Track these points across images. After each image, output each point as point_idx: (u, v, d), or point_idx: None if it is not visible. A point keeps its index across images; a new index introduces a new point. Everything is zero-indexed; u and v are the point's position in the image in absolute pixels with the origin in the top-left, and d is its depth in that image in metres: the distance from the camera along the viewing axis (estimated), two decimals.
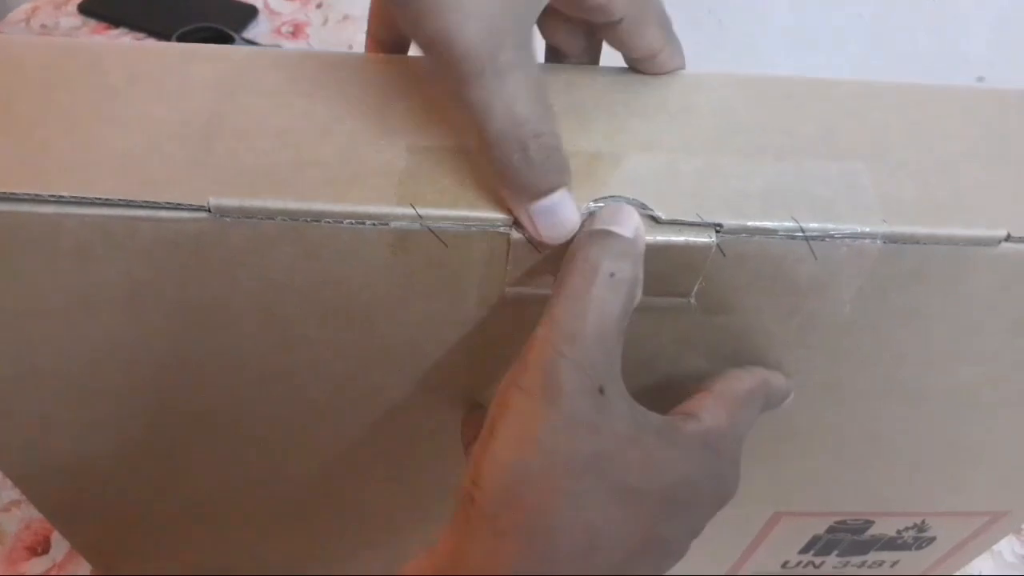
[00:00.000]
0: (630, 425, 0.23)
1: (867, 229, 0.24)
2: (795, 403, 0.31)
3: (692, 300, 0.26)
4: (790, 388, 0.29)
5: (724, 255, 0.24)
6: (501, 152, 0.22)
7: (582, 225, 0.23)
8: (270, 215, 0.22)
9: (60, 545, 0.45)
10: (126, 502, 0.36)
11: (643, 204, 0.23)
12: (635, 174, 0.24)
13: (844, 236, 0.24)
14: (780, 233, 0.24)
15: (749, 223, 0.23)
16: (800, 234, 0.23)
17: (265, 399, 0.29)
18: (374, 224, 0.23)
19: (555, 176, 0.23)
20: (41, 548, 0.45)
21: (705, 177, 0.24)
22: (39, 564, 0.45)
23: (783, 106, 0.27)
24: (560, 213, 0.23)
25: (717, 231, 0.23)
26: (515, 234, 0.23)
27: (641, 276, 0.23)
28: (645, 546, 0.23)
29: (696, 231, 0.24)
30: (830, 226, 0.24)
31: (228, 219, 0.22)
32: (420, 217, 0.23)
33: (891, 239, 0.24)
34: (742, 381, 0.27)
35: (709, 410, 0.25)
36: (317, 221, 0.23)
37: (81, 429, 0.30)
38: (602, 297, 0.22)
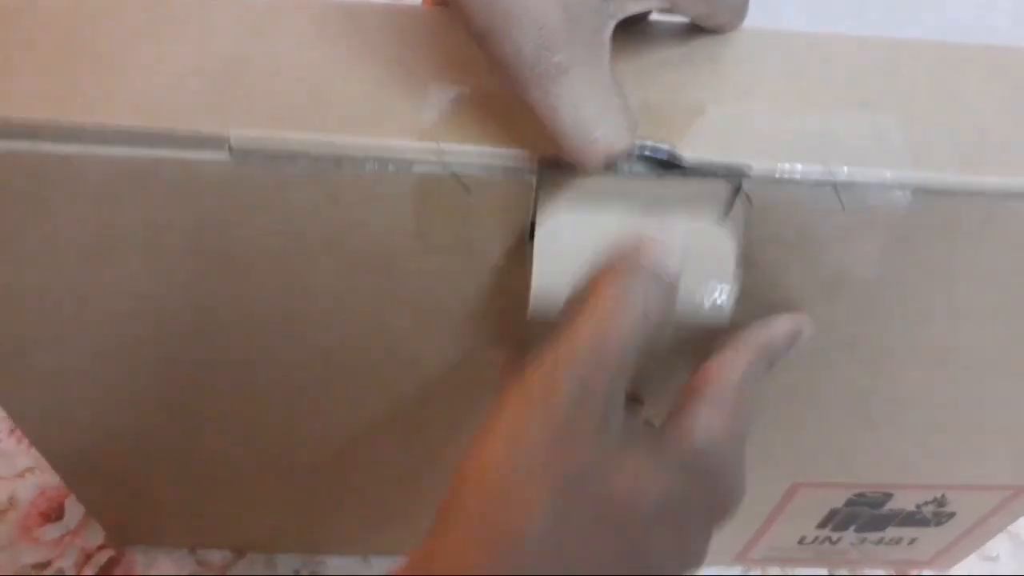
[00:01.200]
0: (622, 441, 0.22)
1: (898, 176, 0.23)
2: (817, 365, 0.30)
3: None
4: (799, 326, 0.27)
5: (751, 204, 0.24)
6: (574, 158, 0.22)
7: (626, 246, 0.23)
8: (292, 154, 0.22)
9: (74, 512, 0.45)
10: (142, 463, 0.36)
11: (670, 146, 0.23)
12: (662, 119, 0.24)
13: (874, 184, 0.23)
14: (809, 180, 0.23)
15: (778, 166, 0.23)
16: (829, 178, 0.23)
17: (283, 348, 0.29)
18: (396, 168, 0.23)
19: (611, 163, 0.23)
20: (55, 515, 0.45)
21: (733, 124, 0.24)
22: (53, 530, 0.45)
23: (811, 59, 0.27)
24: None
25: (745, 174, 0.23)
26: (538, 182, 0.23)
27: (674, 309, 0.23)
28: (626, 568, 0.22)
29: (724, 174, 0.23)
30: (859, 172, 0.23)
31: (251, 161, 0.22)
32: (442, 152, 0.22)
33: (921, 188, 0.23)
34: (736, 366, 0.25)
35: (703, 422, 0.24)
36: (339, 165, 0.22)
37: (99, 384, 0.30)
38: (630, 329, 0.22)
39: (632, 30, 0.27)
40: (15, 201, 0.23)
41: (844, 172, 0.23)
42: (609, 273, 0.23)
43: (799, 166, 0.23)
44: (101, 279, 0.26)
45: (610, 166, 0.23)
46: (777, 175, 0.23)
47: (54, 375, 0.30)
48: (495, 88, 0.24)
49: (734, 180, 0.23)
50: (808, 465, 0.37)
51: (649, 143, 0.23)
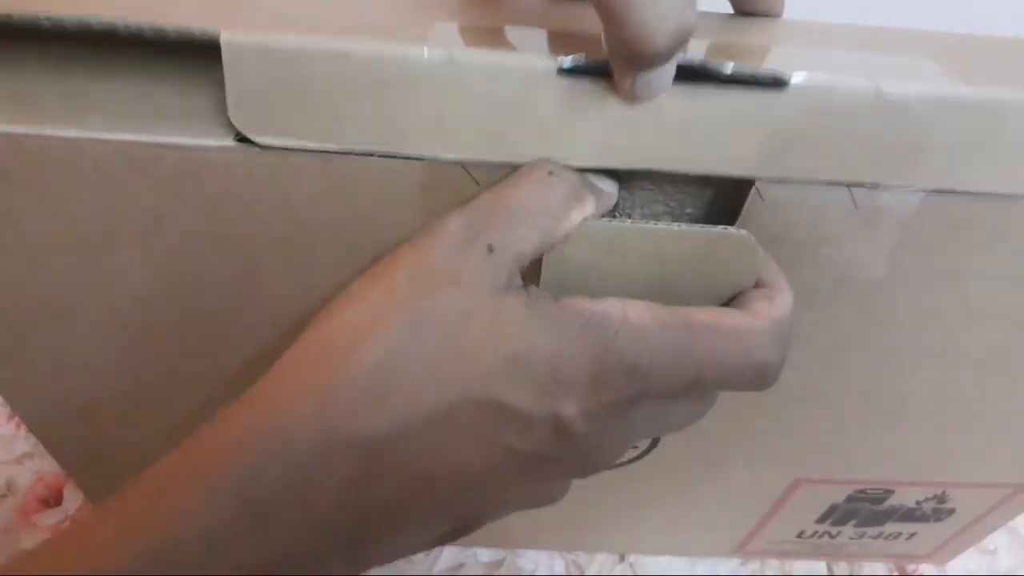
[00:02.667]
0: (501, 292, 0.21)
1: (943, 92, 0.22)
2: (823, 362, 0.30)
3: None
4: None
5: (763, 199, 0.23)
6: (637, 39, 0.19)
7: None
8: (288, 55, 0.21)
9: (73, 498, 0.45)
10: (141, 450, 0.35)
11: (704, 60, 0.21)
12: (697, 46, 0.23)
13: (887, 183, 0.23)
14: (821, 180, 0.23)
15: (819, 75, 0.21)
16: (874, 95, 0.21)
17: (286, 339, 0.28)
18: (406, 158, 0.22)
19: (678, 47, 0.20)
20: (54, 500, 0.45)
21: (773, 54, 0.23)
22: (52, 516, 0.45)
23: (839, 34, 0.27)
24: (663, 79, 0.21)
25: (784, 83, 0.21)
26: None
27: (588, 200, 0.22)
28: (461, 411, 0.20)
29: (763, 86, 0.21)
30: (904, 86, 0.21)
31: (255, 149, 0.22)
32: (452, 142, 0.22)
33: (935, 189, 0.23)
34: (726, 317, 0.22)
35: (627, 305, 0.21)
36: (345, 153, 0.22)
37: (97, 371, 0.30)
38: (532, 187, 0.21)
39: None
40: (12, 185, 0.23)
41: (890, 88, 0.21)
42: None
43: (842, 78, 0.21)
44: (101, 266, 0.25)
45: (671, 54, 0.19)
46: (822, 81, 0.21)
47: (53, 363, 0.30)
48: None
49: (772, 90, 0.21)
50: (811, 461, 0.37)
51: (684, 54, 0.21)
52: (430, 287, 0.21)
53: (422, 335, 0.20)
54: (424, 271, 0.21)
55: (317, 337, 0.21)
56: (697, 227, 0.23)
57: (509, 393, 0.20)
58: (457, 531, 0.23)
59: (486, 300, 0.21)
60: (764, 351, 0.22)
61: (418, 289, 0.21)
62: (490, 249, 0.21)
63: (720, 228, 0.23)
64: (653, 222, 0.23)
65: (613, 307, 0.21)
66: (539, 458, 0.22)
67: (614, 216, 0.26)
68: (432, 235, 0.21)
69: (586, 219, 0.22)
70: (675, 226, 0.23)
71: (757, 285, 0.24)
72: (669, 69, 0.20)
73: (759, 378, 0.22)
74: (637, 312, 0.21)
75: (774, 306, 0.22)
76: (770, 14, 0.28)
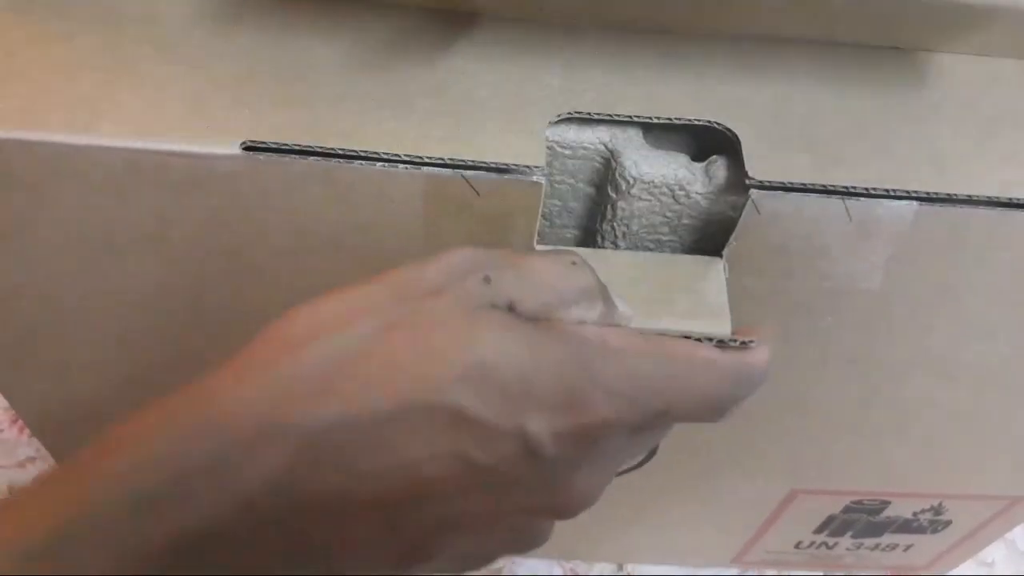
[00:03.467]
0: (482, 308, 0.20)
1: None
2: (819, 373, 0.31)
3: (724, 261, 0.25)
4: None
5: (759, 213, 0.24)
6: None
7: None
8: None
9: None
10: None
11: None
12: None
13: (881, 196, 0.23)
14: (816, 190, 0.23)
15: None
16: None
17: None
18: (406, 168, 0.23)
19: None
20: None
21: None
22: None
23: None
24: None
25: None
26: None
27: (597, 304, 0.22)
28: (413, 412, 0.20)
29: None
30: None
31: (261, 157, 0.22)
32: (453, 153, 0.22)
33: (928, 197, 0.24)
34: (698, 349, 0.22)
35: (606, 330, 0.21)
36: (349, 163, 0.22)
37: (100, 376, 0.30)
38: (548, 265, 0.21)
39: None
40: (23, 190, 0.23)
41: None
42: None
43: None
44: (106, 272, 0.26)
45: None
46: None
47: (58, 366, 0.30)
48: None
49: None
50: (807, 472, 0.37)
51: None
52: (412, 296, 0.21)
53: (389, 335, 0.20)
54: (413, 281, 0.21)
55: (278, 328, 0.21)
56: (675, 256, 0.25)
57: (470, 400, 0.20)
58: (411, 555, 0.22)
59: (465, 313, 0.20)
60: (729, 385, 0.23)
61: (398, 295, 0.21)
62: (487, 280, 0.21)
63: (693, 256, 0.25)
64: (632, 249, 0.25)
65: (592, 331, 0.21)
66: (501, 477, 0.21)
67: (614, 224, 0.26)
68: (436, 255, 0.21)
69: (584, 322, 0.22)
70: (652, 255, 0.25)
71: (741, 335, 0.24)
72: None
73: (716, 411, 0.23)
74: (615, 337, 0.21)
75: (748, 353, 0.23)
76: None
